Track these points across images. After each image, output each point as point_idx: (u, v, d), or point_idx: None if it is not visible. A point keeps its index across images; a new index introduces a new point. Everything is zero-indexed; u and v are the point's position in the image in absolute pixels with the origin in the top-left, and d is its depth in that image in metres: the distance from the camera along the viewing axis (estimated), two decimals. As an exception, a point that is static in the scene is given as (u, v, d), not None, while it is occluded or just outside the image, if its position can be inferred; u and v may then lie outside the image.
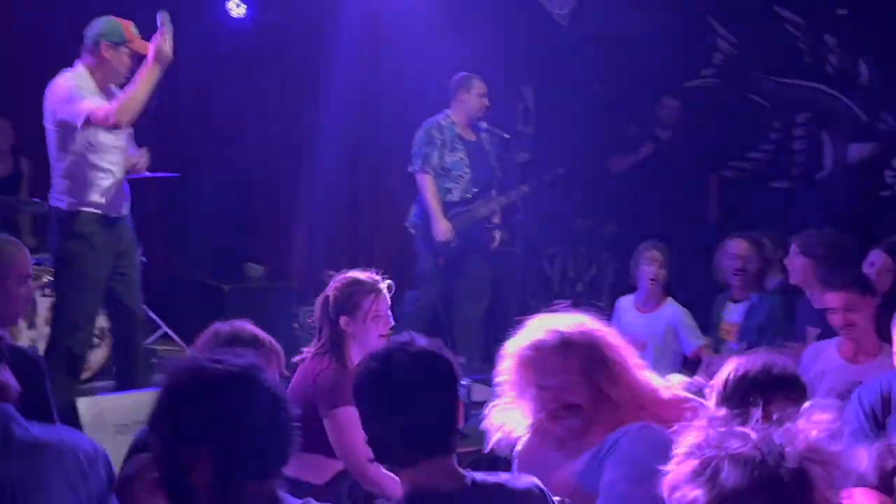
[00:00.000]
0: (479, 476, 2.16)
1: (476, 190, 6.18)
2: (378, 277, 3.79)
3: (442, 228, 6.11)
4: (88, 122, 4.73)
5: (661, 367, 5.13)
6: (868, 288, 4.27)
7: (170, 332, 6.77)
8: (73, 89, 4.77)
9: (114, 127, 4.77)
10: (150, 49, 4.72)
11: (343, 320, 3.68)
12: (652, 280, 5.54)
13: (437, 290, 6.18)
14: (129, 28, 4.92)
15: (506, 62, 7.87)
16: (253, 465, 1.84)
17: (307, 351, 3.81)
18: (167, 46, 4.70)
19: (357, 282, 3.74)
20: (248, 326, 3.16)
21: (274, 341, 3.17)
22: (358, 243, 6.50)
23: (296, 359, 3.82)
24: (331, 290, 3.74)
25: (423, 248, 6.18)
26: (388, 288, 3.79)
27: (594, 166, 8.19)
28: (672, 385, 2.69)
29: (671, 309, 5.58)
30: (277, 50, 7.03)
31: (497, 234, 6.45)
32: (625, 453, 2.35)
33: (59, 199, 4.91)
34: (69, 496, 2.16)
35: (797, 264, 5.21)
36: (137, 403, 4.07)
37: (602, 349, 2.53)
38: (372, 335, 3.64)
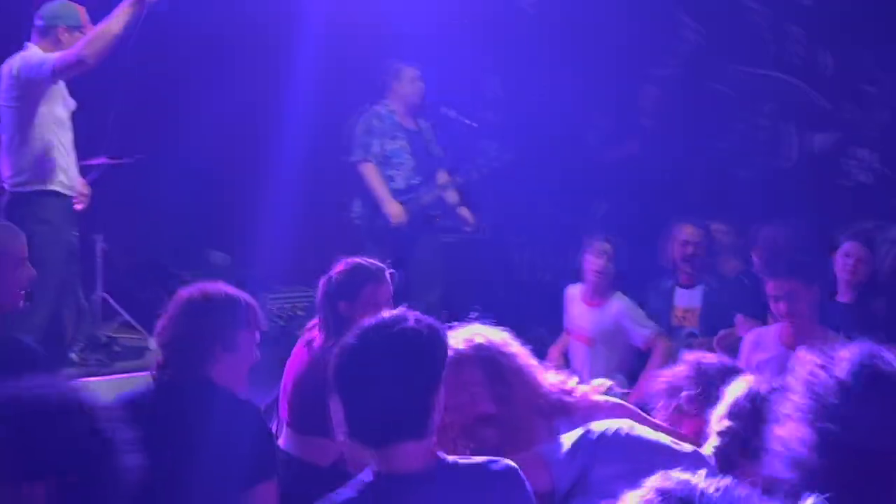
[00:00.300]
0: (456, 458, 2.14)
1: (419, 178, 6.12)
2: (382, 266, 3.76)
3: (394, 211, 6.06)
4: (56, 71, 4.66)
5: (612, 362, 5.09)
6: (811, 278, 4.26)
7: (130, 320, 6.69)
8: (37, 54, 4.73)
9: (78, 64, 4.65)
10: None
11: (342, 305, 3.65)
12: (598, 273, 5.34)
13: None
14: (83, 13, 4.90)
15: (472, 49, 7.83)
16: (93, 498, 1.67)
17: (310, 328, 3.79)
18: None
19: (359, 268, 3.72)
20: (219, 287, 3.00)
21: (249, 298, 3.02)
22: (323, 231, 6.45)
23: (303, 342, 3.80)
24: (334, 273, 3.72)
25: (369, 240, 6.13)
26: (391, 277, 3.76)
27: (561, 153, 8.18)
28: (588, 387, 2.71)
29: (617, 304, 5.35)
30: (241, 35, 6.95)
31: (466, 213, 6.39)
32: (622, 452, 2.36)
33: (18, 183, 4.82)
34: None
35: (754, 257, 5.26)
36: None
37: (497, 358, 2.56)
38: None
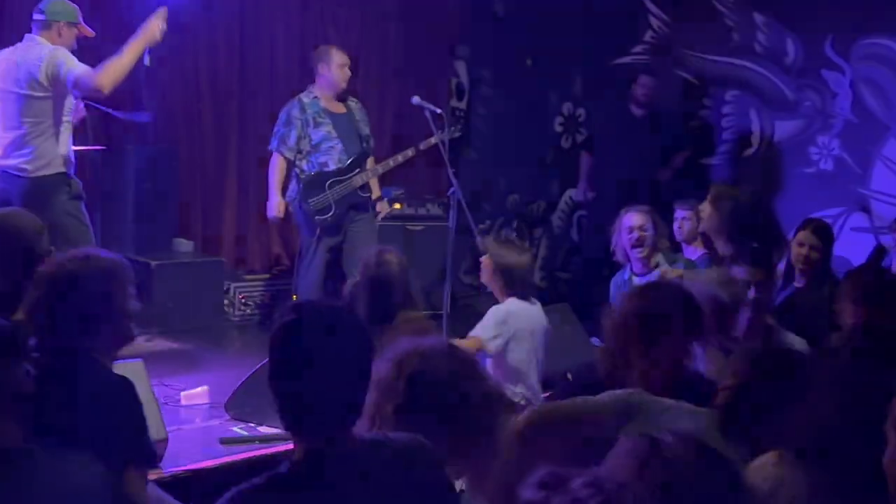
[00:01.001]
0: (370, 435, 2.13)
1: (350, 160, 6.10)
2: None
3: (273, 204, 6.09)
4: (75, 87, 4.83)
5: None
6: (772, 268, 4.29)
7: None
8: (60, 57, 4.84)
9: (94, 91, 4.84)
10: (145, 26, 4.94)
11: (389, 293, 4.12)
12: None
13: (321, 260, 6.11)
14: (78, 12, 5.03)
15: (438, 37, 7.83)
16: None
17: None
18: (159, 32, 4.94)
19: (398, 256, 4.25)
20: (91, 253, 2.82)
21: (124, 261, 2.84)
22: (288, 220, 6.42)
23: None
24: (377, 265, 4.16)
25: (302, 221, 6.13)
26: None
27: (528, 141, 8.21)
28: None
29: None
30: (206, 20, 6.89)
31: (380, 206, 6.38)
32: (644, 417, 2.44)
33: (42, 165, 4.93)
34: None
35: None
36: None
37: (437, 357, 2.61)
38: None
